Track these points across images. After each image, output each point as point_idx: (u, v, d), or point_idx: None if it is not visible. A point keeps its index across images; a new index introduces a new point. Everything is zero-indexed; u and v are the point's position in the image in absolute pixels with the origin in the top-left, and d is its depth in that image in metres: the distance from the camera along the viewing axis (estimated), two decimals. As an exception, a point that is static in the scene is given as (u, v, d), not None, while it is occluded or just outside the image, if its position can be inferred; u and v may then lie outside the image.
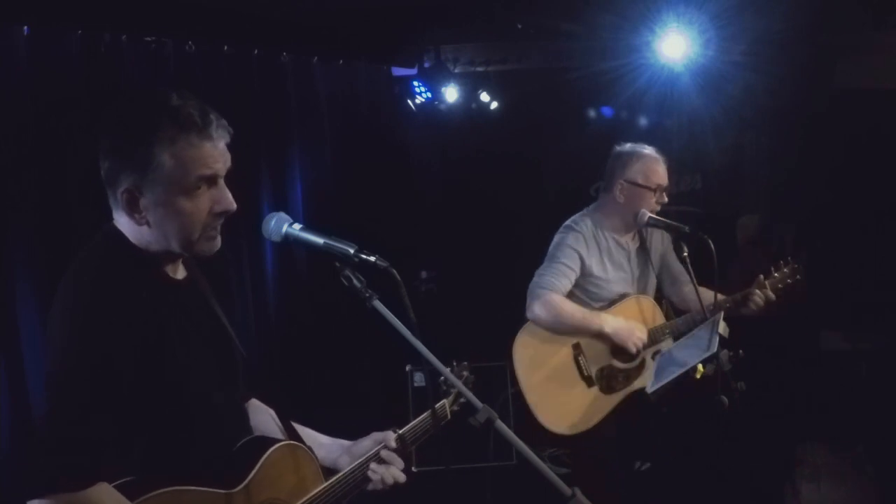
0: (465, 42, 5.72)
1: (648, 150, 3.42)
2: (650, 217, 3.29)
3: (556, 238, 3.44)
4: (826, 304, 5.05)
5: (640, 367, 3.38)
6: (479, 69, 5.76)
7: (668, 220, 3.26)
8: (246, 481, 1.75)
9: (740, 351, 2.81)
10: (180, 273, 1.81)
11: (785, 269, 3.38)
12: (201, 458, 1.73)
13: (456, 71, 5.69)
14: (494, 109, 5.77)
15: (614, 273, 3.42)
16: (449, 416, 2.29)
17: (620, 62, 5.13)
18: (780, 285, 3.34)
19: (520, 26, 4.99)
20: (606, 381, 3.37)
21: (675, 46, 4.80)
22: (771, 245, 5.28)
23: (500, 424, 1.72)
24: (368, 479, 2.02)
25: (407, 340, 1.74)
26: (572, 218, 3.50)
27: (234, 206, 1.74)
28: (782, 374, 4.55)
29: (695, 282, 3.19)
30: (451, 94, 5.58)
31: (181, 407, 1.70)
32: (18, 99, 3.11)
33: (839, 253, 5.00)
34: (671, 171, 3.46)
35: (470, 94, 5.67)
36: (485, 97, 5.70)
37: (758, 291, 3.30)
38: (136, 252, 1.72)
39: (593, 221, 3.45)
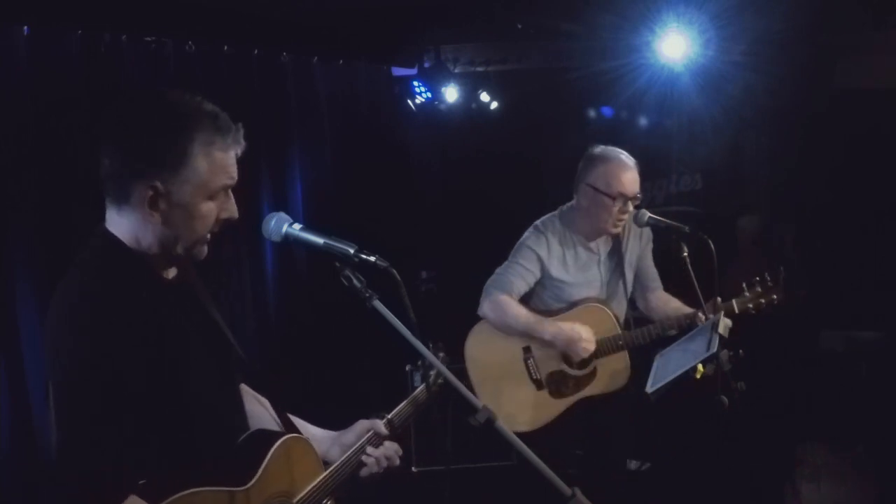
0: (465, 42, 5.72)
1: (617, 155, 3.24)
2: (650, 217, 3.22)
3: (522, 237, 3.37)
4: (826, 304, 5.05)
5: (591, 374, 3.30)
6: (479, 69, 5.77)
7: (668, 220, 3.23)
8: (256, 478, 1.76)
9: (740, 351, 2.80)
10: (171, 273, 1.82)
11: (758, 288, 3.18)
12: (207, 455, 1.74)
13: (456, 71, 5.69)
14: (494, 109, 5.78)
15: (578, 276, 3.32)
16: (431, 395, 2.30)
17: (620, 62, 5.13)
18: (750, 305, 3.16)
19: (520, 26, 5.00)
20: (556, 385, 3.32)
21: (675, 46, 4.80)
22: (771, 245, 5.28)
23: (499, 424, 1.72)
24: (363, 464, 2.04)
25: (407, 340, 1.74)
26: (543, 217, 3.40)
27: (237, 215, 1.77)
28: (782, 374, 4.55)
29: (695, 283, 3.13)
30: (451, 94, 5.59)
31: (185, 406, 1.70)
32: (18, 99, 3.12)
33: (839, 253, 5.00)
34: (644, 177, 3.34)
35: (470, 94, 5.67)
36: (485, 97, 5.70)
37: (700, 315, 3.15)
38: (132, 254, 1.71)
39: (562, 222, 3.34)
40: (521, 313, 3.25)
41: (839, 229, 5.03)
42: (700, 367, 2.73)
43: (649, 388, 2.89)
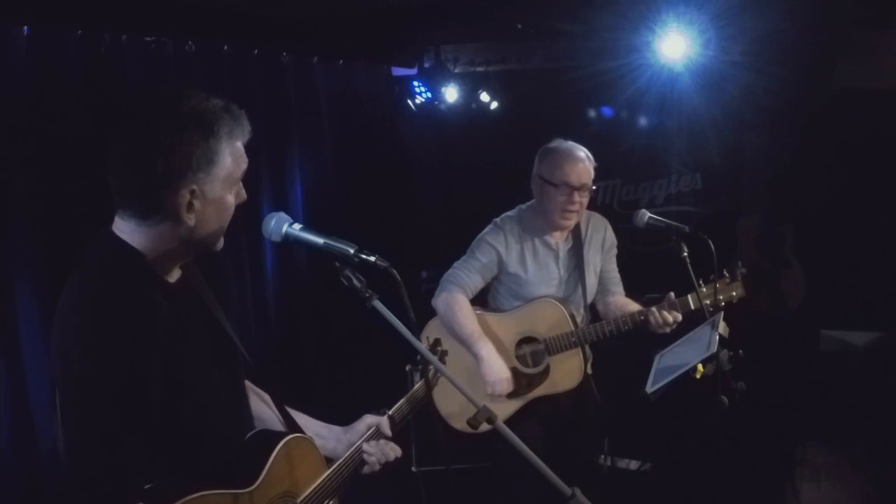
0: (465, 42, 5.72)
1: (567, 146, 3.26)
2: (650, 217, 3.22)
3: (481, 233, 3.39)
4: (826, 304, 5.05)
5: (545, 373, 3.28)
6: (479, 69, 5.76)
7: (668, 220, 3.22)
8: (260, 479, 1.77)
9: (740, 351, 2.80)
10: (175, 276, 1.81)
11: (717, 284, 3.11)
12: (211, 457, 1.74)
13: (456, 71, 5.69)
14: (494, 109, 5.77)
15: (536, 273, 3.31)
16: (428, 393, 2.32)
17: (620, 62, 5.13)
18: (707, 301, 3.09)
19: (520, 26, 4.99)
20: None
21: (675, 46, 4.80)
22: (771, 245, 5.28)
23: (500, 424, 1.72)
24: (365, 462, 2.06)
25: (407, 340, 1.74)
26: (503, 214, 3.43)
27: (246, 195, 1.80)
28: (782, 374, 4.55)
29: (696, 283, 3.13)
30: (451, 94, 5.59)
31: (188, 410, 1.70)
32: (18, 99, 3.11)
33: (839, 253, 5.00)
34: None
35: (470, 94, 5.67)
36: (485, 97, 5.70)
37: (654, 311, 3.14)
38: (139, 258, 1.70)
39: (520, 218, 3.36)
40: (468, 322, 3.26)
41: (839, 229, 5.02)
42: (700, 367, 2.73)
43: (649, 388, 2.89)
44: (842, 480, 3.94)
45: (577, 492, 1.66)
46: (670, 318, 3.13)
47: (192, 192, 1.66)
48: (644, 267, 3.91)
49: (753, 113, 5.35)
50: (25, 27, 3.13)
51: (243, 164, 1.75)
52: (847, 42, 4.94)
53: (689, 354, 2.87)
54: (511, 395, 3.26)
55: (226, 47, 4.06)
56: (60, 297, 1.65)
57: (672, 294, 3.17)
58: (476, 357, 3.23)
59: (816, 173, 5.02)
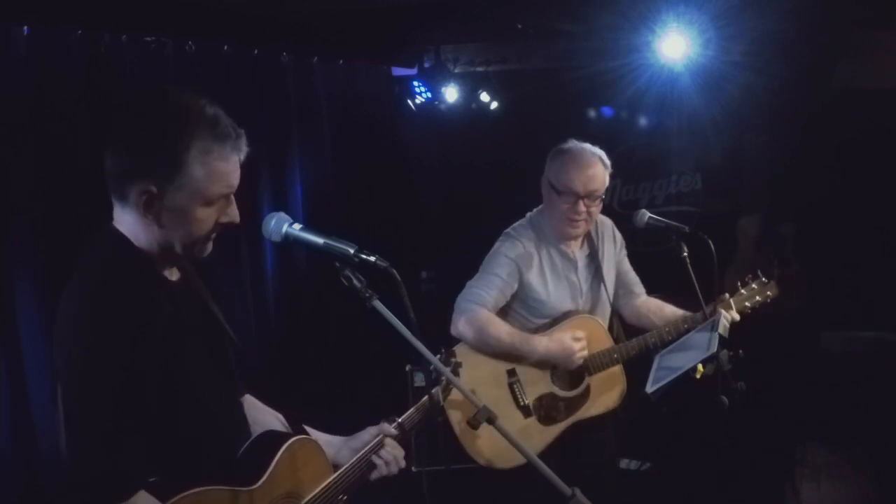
0: (465, 42, 5.72)
1: (579, 149, 3.02)
2: (650, 217, 3.16)
3: (494, 246, 3.10)
4: (826, 304, 5.05)
5: (584, 395, 3.04)
6: (479, 69, 5.77)
7: (668, 220, 3.19)
8: (264, 477, 1.78)
9: (740, 351, 2.79)
10: (175, 274, 1.82)
11: (753, 286, 3.10)
12: (210, 456, 1.74)
13: (456, 71, 5.69)
14: (494, 109, 5.78)
15: (556, 286, 3.05)
16: (442, 403, 2.32)
17: (620, 62, 5.13)
18: (747, 303, 3.06)
19: (520, 26, 4.99)
20: (546, 410, 3.03)
21: (675, 46, 4.80)
22: (771, 245, 5.28)
23: (500, 424, 1.72)
24: (372, 468, 2.06)
25: (407, 340, 1.74)
26: (514, 224, 3.16)
27: (239, 219, 1.77)
28: (782, 374, 4.55)
29: (695, 283, 3.10)
30: (451, 94, 5.59)
31: (188, 407, 1.71)
32: (18, 99, 3.11)
33: (839, 253, 5.00)
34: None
35: (470, 94, 5.67)
36: (485, 97, 5.70)
37: (723, 313, 2.98)
38: (139, 255, 1.71)
39: (534, 228, 3.10)
40: (504, 329, 2.95)
41: (839, 229, 5.03)
42: (700, 367, 2.72)
43: (649, 388, 2.88)
44: (842, 480, 3.94)
45: (577, 492, 1.66)
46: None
47: (149, 192, 1.64)
48: (644, 267, 3.90)
49: (753, 113, 5.35)
50: (25, 27, 3.13)
51: (221, 185, 1.69)
52: (847, 42, 4.94)
53: (690, 354, 2.87)
54: (549, 422, 3.03)
55: (226, 47, 4.06)
56: (62, 296, 1.66)
57: (727, 294, 3.05)
58: (535, 353, 2.95)
59: (816, 173, 5.02)
